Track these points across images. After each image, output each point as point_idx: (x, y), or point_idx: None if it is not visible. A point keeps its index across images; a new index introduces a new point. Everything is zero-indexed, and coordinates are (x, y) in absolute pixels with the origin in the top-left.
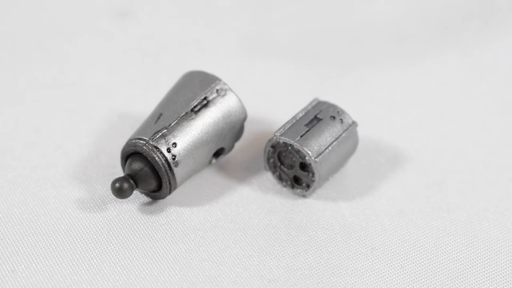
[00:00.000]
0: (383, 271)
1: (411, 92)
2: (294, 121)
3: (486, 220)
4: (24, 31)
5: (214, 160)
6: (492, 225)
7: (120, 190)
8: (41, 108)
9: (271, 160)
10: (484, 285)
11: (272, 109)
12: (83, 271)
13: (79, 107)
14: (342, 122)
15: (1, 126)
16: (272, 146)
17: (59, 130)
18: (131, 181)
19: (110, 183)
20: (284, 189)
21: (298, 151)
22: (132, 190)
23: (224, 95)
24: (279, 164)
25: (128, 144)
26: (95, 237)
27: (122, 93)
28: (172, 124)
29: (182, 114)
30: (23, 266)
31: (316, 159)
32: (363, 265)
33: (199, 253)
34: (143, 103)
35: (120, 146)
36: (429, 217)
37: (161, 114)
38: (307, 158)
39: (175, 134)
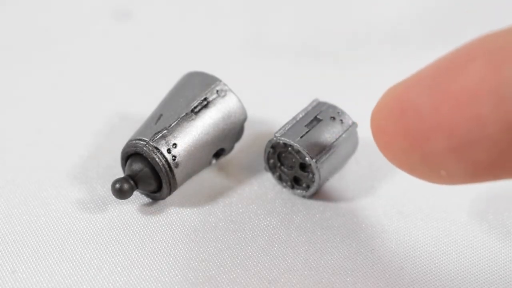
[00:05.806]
0: (383, 271)
1: None
2: (294, 121)
3: (486, 221)
4: (24, 31)
5: (214, 161)
6: (492, 226)
7: (121, 190)
8: (41, 108)
9: (271, 160)
10: (484, 286)
11: (272, 109)
12: (83, 272)
13: (79, 107)
14: (342, 122)
15: (1, 126)
16: (272, 147)
17: (59, 130)
18: (131, 182)
19: (110, 183)
20: (284, 189)
21: (298, 152)
22: (132, 190)
23: (224, 96)
24: (279, 164)
25: (128, 144)
26: (95, 237)
27: (122, 94)
28: (172, 124)
29: (182, 115)
30: (23, 267)
31: (316, 160)
32: (363, 266)
33: (199, 253)
34: (143, 103)
35: (120, 146)
36: (429, 217)
37: (161, 115)
38: (307, 158)
39: (175, 135)
